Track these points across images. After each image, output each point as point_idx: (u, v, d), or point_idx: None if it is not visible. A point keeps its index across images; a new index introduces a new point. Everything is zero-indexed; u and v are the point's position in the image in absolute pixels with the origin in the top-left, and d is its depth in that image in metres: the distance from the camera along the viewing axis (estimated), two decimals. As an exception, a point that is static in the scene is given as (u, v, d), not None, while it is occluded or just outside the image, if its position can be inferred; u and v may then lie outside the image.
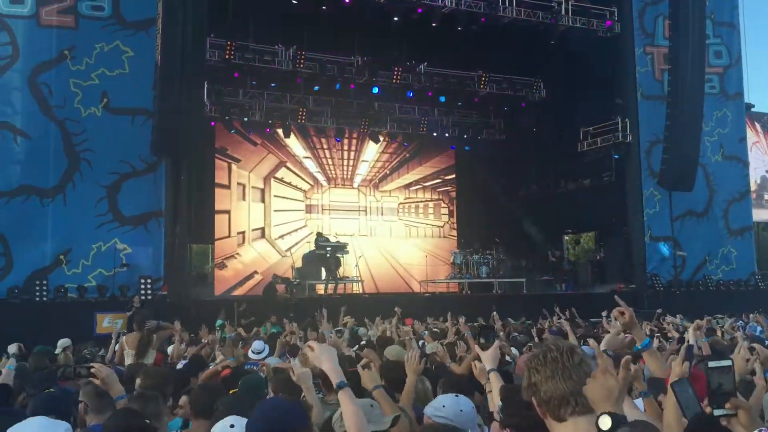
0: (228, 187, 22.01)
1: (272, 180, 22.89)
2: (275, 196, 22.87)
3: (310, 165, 23.51)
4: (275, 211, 22.83)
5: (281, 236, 22.62)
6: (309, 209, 23.39)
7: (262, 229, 22.52)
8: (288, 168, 23.17)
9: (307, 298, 17.43)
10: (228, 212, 21.87)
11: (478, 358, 3.94)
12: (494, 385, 3.71)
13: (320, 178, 23.75)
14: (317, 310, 12.96)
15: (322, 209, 23.65)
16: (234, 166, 22.19)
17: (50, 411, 3.60)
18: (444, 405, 3.25)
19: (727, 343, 7.47)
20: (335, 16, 18.21)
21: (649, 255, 20.12)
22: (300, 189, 23.35)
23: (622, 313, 3.43)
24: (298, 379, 3.74)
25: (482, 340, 4.77)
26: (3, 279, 14.73)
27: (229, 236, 21.74)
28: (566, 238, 24.66)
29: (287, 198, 23.16)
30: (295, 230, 22.97)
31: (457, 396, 3.38)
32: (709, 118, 21.01)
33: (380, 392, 3.68)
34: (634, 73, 20.62)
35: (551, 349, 2.14)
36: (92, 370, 3.98)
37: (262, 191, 22.67)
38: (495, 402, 3.54)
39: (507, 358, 6.09)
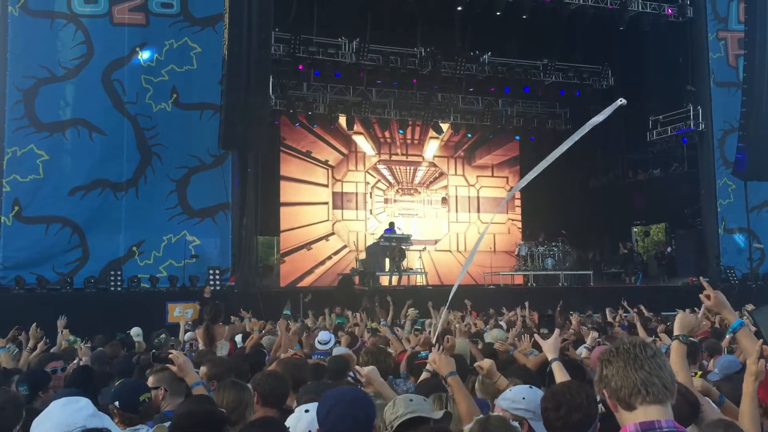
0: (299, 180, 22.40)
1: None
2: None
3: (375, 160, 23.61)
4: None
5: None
6: (386, 201, 23.72)
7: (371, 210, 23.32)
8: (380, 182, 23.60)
9: (380, 290, 17.46)
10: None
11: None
12: (557, 374, 3.66)
13: (387, 174, 23.74)
14: (372, 299, 13.02)
15: (393, 201, 23.71)
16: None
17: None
18: (524, 397, 3.17)
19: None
20: (398, 7, 18.15)
21: (723, 247, 19.44)
22: (380, 189, 23.62)
23: (708, 297, 3.38)
24: (366, 378, 3.75)
25: (544, 331, 4.69)
26: (80, 269, 15.34)
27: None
28: (635, 229, 24.03)
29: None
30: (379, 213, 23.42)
31: (531, 387, 3.31)
32: (788, 104, 20.08)
33: (454, 379, 3.66)
34: (707, 59, 19.89)
35: (624, 342, 2.19)
36: (170, 356, 4.08)
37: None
38: None
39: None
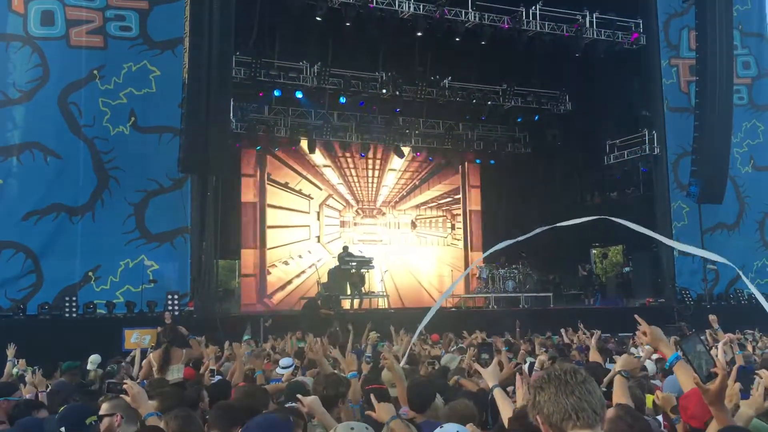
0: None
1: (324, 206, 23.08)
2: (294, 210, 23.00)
3: (334, 178, 23.49)
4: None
5: (328, 242, 22.84)
6: (342, 224, 23.46)
7: (318, 237, 22.82)
8: (333, 198, 23.31)
9: (343, 313, 17.36)
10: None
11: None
12: (499, 401, 3.69)
13: (350, 199, 23.58)
14: (340, 323, 12.99)
15: (354, 224, 23.59)
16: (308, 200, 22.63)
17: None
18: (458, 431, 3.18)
19: (759, 359, 7.30)
20: (359, 32, 18.32)
21: (678, 269, 19.85)
22: (336, 209, 23.39)
23: (645, 333, 3.41)
24: (308, 408, 3.76)
25: (484, 356, 4.72)
26: (34, 296, 14.95)
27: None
28: (594, 251, 24.42)
29: (327, 216, 23.25)
30: (333, 240, 23.00)
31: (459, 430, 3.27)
32: (737, 130, 20.74)
33: (397, 422, 3.65)
34: (661, 86, 20.46)
35: (556, 368, 2.26)
36: (125, 386, 4.04)
37: (318, 213, 22.95)
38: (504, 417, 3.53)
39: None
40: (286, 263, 22.14)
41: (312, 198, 22.96)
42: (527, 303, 20.32)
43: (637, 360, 3.53)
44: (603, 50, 20.03)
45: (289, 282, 21.98)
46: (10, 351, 7.99)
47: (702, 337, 2.41)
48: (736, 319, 15.78)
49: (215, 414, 3.96)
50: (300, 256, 22.34)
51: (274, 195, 22.28)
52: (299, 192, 22.74)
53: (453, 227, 25.36)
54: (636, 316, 3.63)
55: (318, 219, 23.04)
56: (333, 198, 23.36)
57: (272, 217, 22.18)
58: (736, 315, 17.59)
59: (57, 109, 15.60)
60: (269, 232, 22.01)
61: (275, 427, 2.82)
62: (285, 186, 22.52)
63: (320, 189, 23.11)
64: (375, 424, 3.59)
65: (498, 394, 3.72)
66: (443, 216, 25.27)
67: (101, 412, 3.97)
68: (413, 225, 24.44)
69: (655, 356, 7.71)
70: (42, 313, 14.65)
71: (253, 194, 21.96)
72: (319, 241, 22.89)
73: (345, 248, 19.87)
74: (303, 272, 22.11)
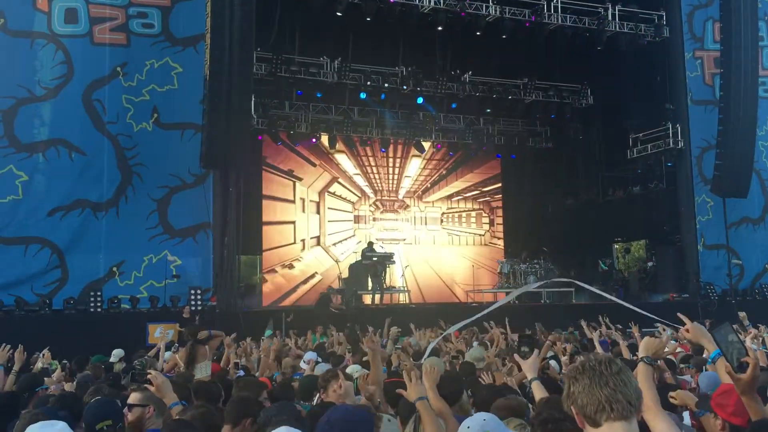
0: (286, 199, 22.22)
1: (326, 194, 22.85)
2: (328, 208, 22.90)
3: (356, 177, 23.48)
4: (329, 221, 22.81)
5: (334, 244, 22.64)
6: (357, 219, 23.33)
7: (318, 238, 22.54)
8: (339, 182, 23.09)
9: (362, 309, 17.41)
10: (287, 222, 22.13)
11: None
12: (536, 394, 3.71)
13: (367, 190, 23.49)
14: (357, 329, 13.05)
15: (372, 219, 23.44)
16: (292, 182, 22.30)
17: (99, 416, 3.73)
18: (468, 426, 3.16)
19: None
20: (379, 27, 18.30)
21: (702, 263, 19.64)
22: (349, 201, 23.32)
23: (687, 330, 3.38)
24: (344, 395, 3.78)
25: (524, 349, 4.73)
26: (59, 290, 15.18)
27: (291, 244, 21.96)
28: (616, 246, 24.21)
29: (338, 209, 23.07)
30: (345, 239, 22.90)
31: (484, 420, 3.26)
32: (762, 122, 20.44)
33: (423, 403, 3.65)
34: (684, 78, 20.22)
35: (590, 359, 2.23)
36: (149, 377, 4.09)
37: (317, 204, 22.71)
38: None
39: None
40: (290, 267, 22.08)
41: (351, 201, 22.87)
42: (549, 298, 20.21)
43: (659, 341, 3.30)
44: (625, 43, 19.80)
45: (312, 276, 22.00)
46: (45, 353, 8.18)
47: (735, 326, 2.37)
48: (761, 314, 15.62)
49: (227, 409, 4.00)
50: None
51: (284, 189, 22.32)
52: (340, 196, 22.61)
53: (492, 223, 25.07)
54: (679, 314, 3.59)
55: (318, 212, 22.82)
56: (345, 187, 23.18)
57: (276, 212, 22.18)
58: (761, 310, 17.40)
59: (81, 106, 15.79)
60: (275, 227, 22.07)
61: (360, 421, 2.85)
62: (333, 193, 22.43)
63: (321, 171, 22.71)
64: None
65: (536, 387, 3.74)
66: (479, 209, 25.06)
67: (132, 402, 4.03)
68: (442, 221, 24.33)
69: (680, 351, 7.66)
70: (67, 307, 14.87)
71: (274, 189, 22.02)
72: (318, 243, 22.68)
73: (370, 244, 19.76)
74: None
